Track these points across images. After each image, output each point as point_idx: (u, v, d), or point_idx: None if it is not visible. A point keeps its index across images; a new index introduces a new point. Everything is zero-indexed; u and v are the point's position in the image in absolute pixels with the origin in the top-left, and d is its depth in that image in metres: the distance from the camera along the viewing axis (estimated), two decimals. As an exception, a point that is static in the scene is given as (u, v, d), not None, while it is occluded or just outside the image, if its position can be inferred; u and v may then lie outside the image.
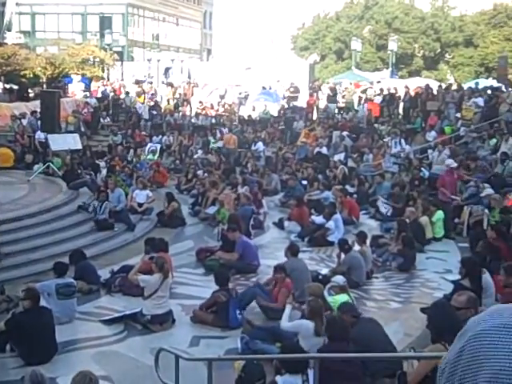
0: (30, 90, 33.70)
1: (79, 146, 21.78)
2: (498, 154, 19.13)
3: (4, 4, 56.66)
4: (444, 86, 28.53)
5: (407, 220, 14.48)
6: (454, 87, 27.47)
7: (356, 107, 29.35)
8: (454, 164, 16.21)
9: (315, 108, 30.68)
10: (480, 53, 50.96)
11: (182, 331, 10.02)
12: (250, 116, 30.40)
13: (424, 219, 14.81)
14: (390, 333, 8.70)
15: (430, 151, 21.82)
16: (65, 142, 21.02)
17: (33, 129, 25.11)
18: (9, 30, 56.11)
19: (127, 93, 33.13)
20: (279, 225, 16.48)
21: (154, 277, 10.17)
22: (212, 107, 32.51)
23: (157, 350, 7.88)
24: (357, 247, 12.70)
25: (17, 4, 57.72)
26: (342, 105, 29.93)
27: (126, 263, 12.53)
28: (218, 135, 26.80)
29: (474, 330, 1.08)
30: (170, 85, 35.12)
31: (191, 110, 32.82)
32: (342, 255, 12.34)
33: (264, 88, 34.48)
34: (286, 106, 31.38)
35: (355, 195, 18.58)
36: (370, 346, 7.62)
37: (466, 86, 28.31)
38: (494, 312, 1.09)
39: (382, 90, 29.00)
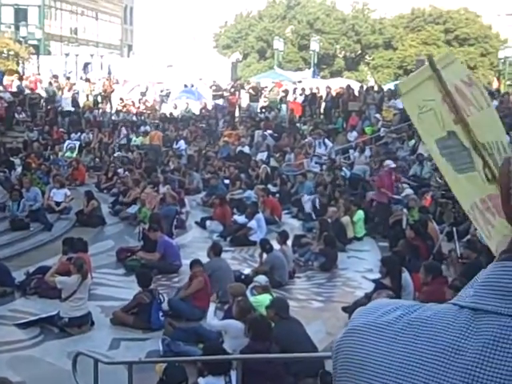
0: None
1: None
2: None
3: None
4: (365, 87, 29.04)
5: (329, 220, 14.61)
6: (375, 88, 28.01)
7: (278, 106, 29.51)
8: (393, 165, 16.45)
9: (237, 107, 30.65)
10: (399, 55, 52.30)
11: (101, 334, 9.74)
12: (171, 114, 30.07)
13: (345, 219, 14.99)
14: (312, 332, 8.73)
15: (351, 151, 22.17)
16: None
17: None
18: None
19: (50, 83, 31.99)
20: (201, 224, 16.32)
21: (72, 278, 9.84)
22: (133, 104, 31.97)
23: (74, 353, 7.62)
24: (277, 246, 12.70)
25: None
26: (265, 104, 30.00)
27: (42, 264, 12.10)
28: (141, 131, 26.45)
29: (353, 322, 1.13)
30: (88, 80, 34.28)
31: (111, 107, 32.17)
32: (264, 255, 12.32)
33: (186, 86, 34.20)
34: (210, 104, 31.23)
35: (277, 195, 18.64)
36: (292, 346, 7.61)
37: (385, 88, 28.91)
38: (372, 308, 1.13)
39: (303, 89, 29.25)
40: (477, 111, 2.63)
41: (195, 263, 10.68)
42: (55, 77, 33.89)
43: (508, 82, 42.35)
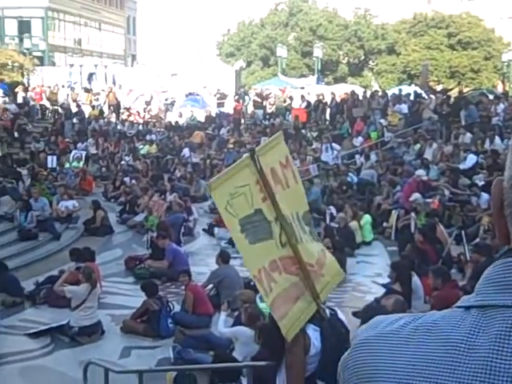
0: None
1: (-2, 153, 21.02)
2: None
3: None
4: (369, 92, 29.04)
5: (337, 225, 14.59)
6: (379, 94, 28.01)
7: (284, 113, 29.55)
8: (425, 176, 16.77)
9: (242, 114, 30.69)
10: (402, 60, 52.26)
11: (111, 342, 9.73)
12: (176, 122, 30.12)
13: (354, 224, 14.96)
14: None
15: (357, 156, 22.15)
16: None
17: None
18: None
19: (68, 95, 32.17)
20: (209, 231, 16.32)
21: (81, 287, 9.85)
22: (138, 114, 32.07)
23: (85, 362, 7.61)
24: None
25: None
26: (270, 111, 30.03)
27: (51, 274, 12.11)
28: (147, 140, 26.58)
29: (356, 339, 1.15)
30: (88, 91, 34.43)
31: (117, 117, 32.27)
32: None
33: (190, 94, 34.27)
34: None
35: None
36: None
37: (390, 93, 28.91)
38: (373, 323, 1.15)
39: (303, 96, 29.20)
40: (282, 189, 3.25)
41: (181, 273, 10.65)
42: (72, 89, 34.19)
43: (513, 85, 42.32)
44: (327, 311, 4.59)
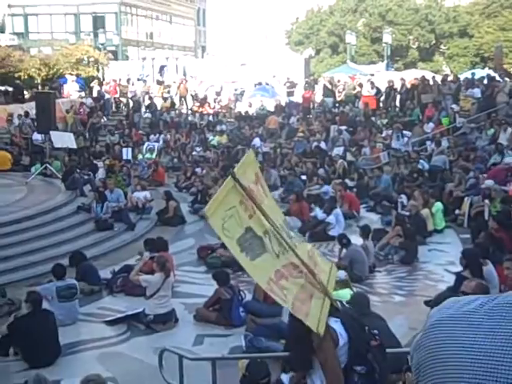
0: (25, 92, 33.61)
1: (74, 146, 21.68)
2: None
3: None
4: (440, 77, 28.43)
5: (408, 213, 14.44)
6: (450, 78, 27.39)
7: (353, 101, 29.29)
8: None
9: (312, 102, 30.58)
10: (475, 43, 50.87)
11: (185, 330, 9.97)
12: (246, 112, 30.31)
13: (425, 211, 14.76)
14: (395, 327, 8.65)
15: (428, 143, 21.79)
16: (62, 140, 20.94)
17: (30, 130, 25.05)
18: (1, 31, 56.04)
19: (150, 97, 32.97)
20: (279, 220, 16.40)
21: (155, 276, 10.12)
22: (209, 104, 32.44)
23: (160, 350, 7.84)
24: (360, 241, 12.65)
25: (9, 6, 57.57)
26: (339, 99, 29.82)
27: (126, 263, 12.48)
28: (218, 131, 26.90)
29: (431, 319, 1.17)
30: (160, 83, 35.04)
31: (187, 108, 32.76)
32: (344, 250, 12.30)
33: (260, 84, 34.38)
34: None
35: (355, 189, 18.54)
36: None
37: (462, 77, 28.22)
38: (447, 304, 1.18)
39: (372, 83, 28.82)
40: (265, 202, 3.40)
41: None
42: (144, 82, 35.00)
43: None
44: (337, 302, 4.64)
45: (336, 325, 4.32)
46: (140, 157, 24.10)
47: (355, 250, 12.12)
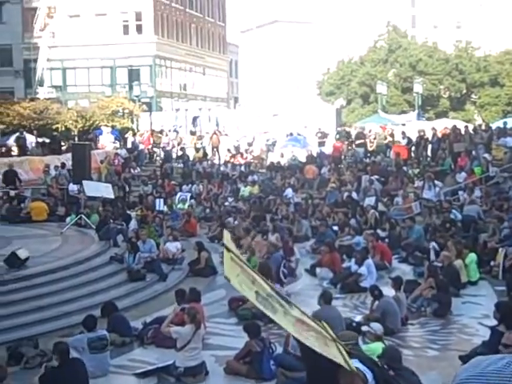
0: (62, 143, 34.40)
1: (111, 196, 21.99)
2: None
3: (36, 60, 58.38)
4: (472, 126, 28.42)
5: (441, 264, 14.30)
6: (483, 127, 27.35)
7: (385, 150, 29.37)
8: None
9: (343, 152, 30.73)
10: (506, 92, 50.81)
11: (215, 383, 9.91)
12: (278, 162, 30.54)
13: (458, 263, 14.59)
14: (428, 382, 8.53)
15: (460, 192, 21.66)
16: (98, 190, 21.27)
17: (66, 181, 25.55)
18: (41, 85, 57.68)
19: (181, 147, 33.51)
20: (311, 271, 16.38)
21: (186, 328, 10.13)
22: (241, 155, 32.78)
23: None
24: (392, 292, 12.53)
25: (48, 60, 59.35)
26: (371, 148, 29.92)
27: (158, 314, 12.51)
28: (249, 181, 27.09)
29: (457, 378, 1.20)
30: (193, 133, 35.62)
31: (219, 158, 33.14)
32: (376, 301, 12.18)
33: (291, 134, 34.70)
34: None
35: (387, 239, 18.44)
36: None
37: (494, 126, 28.16)
38: (474, 363, 1.20)
39: (403, 133, 28.90)
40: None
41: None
42: (177, 132, 35.63)
43: None
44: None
45: (358, 364, 4.30)
46: (173, 207, 24.33)
47: (388, 302, 12.00)
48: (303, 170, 28.38)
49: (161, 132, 36.04)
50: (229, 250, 3.41)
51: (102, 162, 29.40)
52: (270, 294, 3.59)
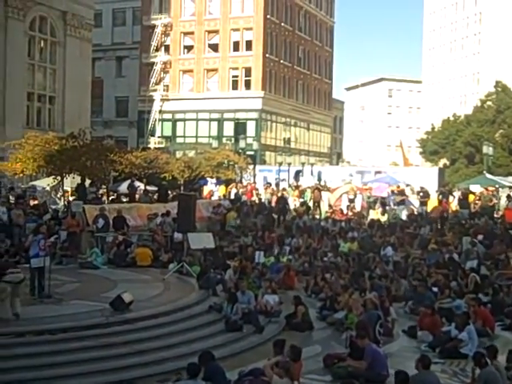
0: (168, 192, 35.68)
1: (212, 245, 22.52)
2: None
3: (149, 112, 61.33)
4: None
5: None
6: None
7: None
8: None
9: (446, 213, 30.18)
10: None
11: None
12: (378, 220, 30.34)
13: None
14: None
15: None
16: (201, 240, 21.83)
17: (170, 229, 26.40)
18: (152, 135, 60.42)
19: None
20: (409, 333, 16.10)
21: (284, 381, 10.20)
22: (341, 212, 32.81)
23: None
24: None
25: (160, 111, 62.17)
26: (474, 210, 29.25)
27: (253, 366, 12.60)
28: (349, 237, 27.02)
29: None
30: (296, 187, 36.03)
31: (320, 214, 33.28)
32: (477, 370, 11.80)
33: (393, 192, 34.47)
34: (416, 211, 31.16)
35: (489, 305, 17.86)
36: None
37: None
38: None
39: (509, 195, 28.11)
40: None
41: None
42: (278, 185, 36.25)
43: None
44: None
45: None
46: (272, 260, 24.57)
47: (491, 372, 11.57)
48: (403, 229, 28.03)
49: (264, 185, 36.73)
50: None
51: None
52: None
